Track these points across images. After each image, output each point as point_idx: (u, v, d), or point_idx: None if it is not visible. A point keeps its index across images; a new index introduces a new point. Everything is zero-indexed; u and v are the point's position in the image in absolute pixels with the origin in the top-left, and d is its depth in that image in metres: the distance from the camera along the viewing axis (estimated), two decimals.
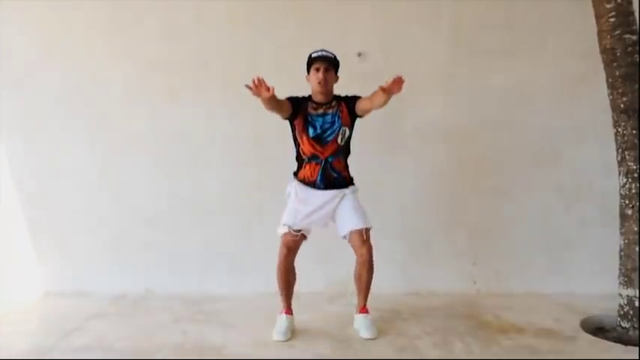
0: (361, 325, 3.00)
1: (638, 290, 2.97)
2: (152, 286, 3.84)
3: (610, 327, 3.13)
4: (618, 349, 2.81)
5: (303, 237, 3.03)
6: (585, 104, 3.80)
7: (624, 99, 2.99)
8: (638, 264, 2.97)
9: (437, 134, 3.87)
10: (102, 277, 3.87)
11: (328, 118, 3.00)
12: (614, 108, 3.05)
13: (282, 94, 2.90)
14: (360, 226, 2.96)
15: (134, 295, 3.76)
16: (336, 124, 2.99)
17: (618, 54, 2.98)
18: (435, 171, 3.88)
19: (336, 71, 3.02)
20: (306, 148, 3.00)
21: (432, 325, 3.17)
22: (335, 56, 3.00)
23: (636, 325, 2.97)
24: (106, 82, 3.87)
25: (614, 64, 3.00)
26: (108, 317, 3.36)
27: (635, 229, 2.98)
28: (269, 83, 2.67)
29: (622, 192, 3.05)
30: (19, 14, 3.85)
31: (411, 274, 3.86)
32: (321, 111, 3.00)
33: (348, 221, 2.99)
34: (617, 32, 2.97)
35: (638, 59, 2.97)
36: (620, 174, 3.06)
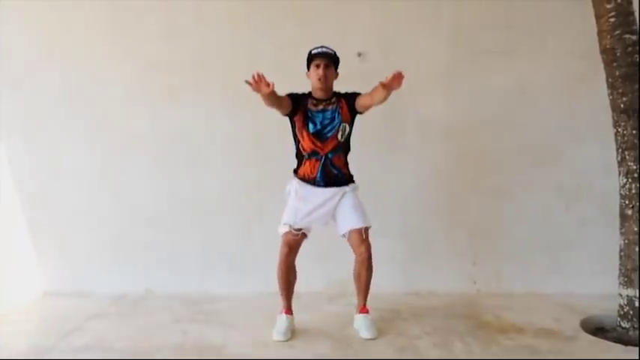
0: (361, 325, 3.00)
1: (638, 290, 2.97)
2: (152, 286, 3.84)
3: (610, 327, 3.13)
4: (618, 349, 2.81)
5: (304, 236, 3.03)
6: (585, 104, 3.80)
7: (624, 99, 2.99)
8: (638, 264, 2.97)
9: (437, 134, 3.87)
10: (102, 277, 3.87)
11: (328, 114, 2.99)
12: (614, 108, 3.05)
13: (281, 94, 2.91)
14: (359, 225, 2.97)
15: (134, 295, 3.76)
16: (336, 120, 2.99)
17: (618, 54, 2.98)
18: (435, 171, 3.88)
19: (336, 68, 3.02)
20: (306, 144, 2.99)
21: (432, 325, 3.17)
22: (335, 52, 3.00)
23: (636, 326, 2.97)
24: (106, 82, 3.86)
25: (614, 64, 3.00)
26: (108, 317, 3.36)
27: (635, 229, 2.98)
28: (269, 79, 2.67)
29: (622, 192, 3.06)
30: (19, 14, 3.85)
31: (411, 273, 3.87)
32: (321, 107, 3.00)
33: (348, 220, 2.99)
34: (617, 32, 2.97)
35: (638, 59, 2.97)
36: (620, 174, 3.06)
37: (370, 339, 2.93)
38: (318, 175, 2.99)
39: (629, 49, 2.96)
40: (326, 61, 2.95)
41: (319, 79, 2.95)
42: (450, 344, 2.88)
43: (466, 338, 2.96)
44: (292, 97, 2.99)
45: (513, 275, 3.87)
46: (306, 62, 3.02)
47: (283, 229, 2.99)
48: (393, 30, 3.85)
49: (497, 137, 3.87)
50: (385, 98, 2.80)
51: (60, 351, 2.82)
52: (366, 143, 3.57)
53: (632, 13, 2.99)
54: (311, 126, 2.98)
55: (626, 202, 3.03)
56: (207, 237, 3.89)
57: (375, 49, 3.80)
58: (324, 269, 3.74)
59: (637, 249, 2.97)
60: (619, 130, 3.04)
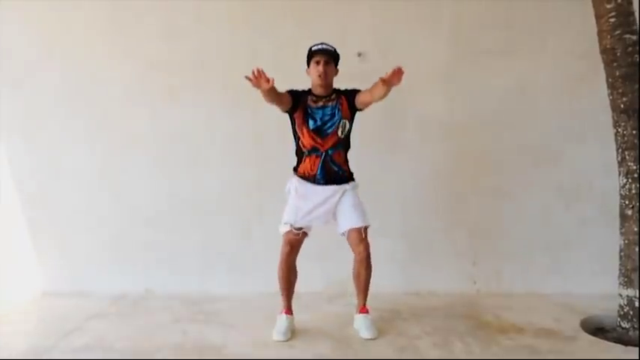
0: (361, 325, 3.00)
1: (638, 290, 2.97)
2: (152, 286, 3.84)
3: (610, 327, 3.13)
4: (618, 350, 2.81)
5: (305, 234, 3.03)
6: (585, 104, 3.80)
7: (624, 99, 2.99)
8: (638, 264, 2.97)
9: (437, 134, 3.87)
10: (102, 277, 3.87)
11: (328, 110, 2.99)
12: (614, 108, 3.05)
13: (281, 91, 2.90)
14: (358, 224, 2.97)
15: (134, 295, 3.76)
16: (337, 117, 2.98)
17: (618, 54, 2.98)
18: (435, 171, 3.88)
19: (336, 64, 3.02)
20: (307, 141, 2.99)
21: (432, 325, 3.17)
22: (335, 49, 3.00)
23: (636, 326, 2.97)
24: (106, 82, 3.86)
25: (614, 64, 3.00)
26: (108, 317, 3.36)
27: (635, 229, 2.98)
28: (269, 75, 2.68)
29: (622, 192, 3.05)
30: (19, 14, 3.85)
31: (411, 273, 3.87)
32: (320, 104, 3.00)
33: (347, 219, 2.99)
34: (618, 32, 2.97)
35: (638, 59, 2.97)
36: (620, 174, 3.06)
37: (370, 339, 2.93)
38: (318, 172, 2.98)
39: (629, 49, 2.96)
40: (326, 57, 2.95)
41: (319, 76, 2.95)
42: (450, 344, 2.88)
43: (466, 338, 2.96)
44: (292, 93, 2.99)
45: (513, 275, 3.87)
46: (306, 59, 3.02)
47: (284, 229, 2.99)
48: (392, 30, 3.85)
49: (497, 137, 3.87)
50: (385, 94, 2.80)
51: (60, 351, 2.82)
52: (366, 143, 3.57)
53: (632, 13, 2.99)
54: (311, 122, 2.98)
55: (626, 202, 3.03)
56: (207, 237, 3.89)
57: (375, 49, 3.80)
58: (324, 269, 3.74)
59: (637, 249, 2.97)
60: (619, 130, 3.04)
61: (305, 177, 3.02)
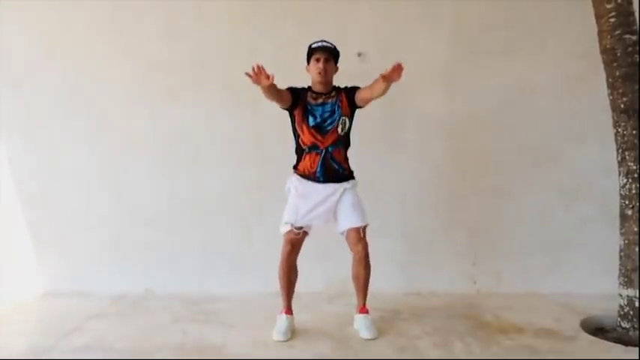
0: (361, 326, 3.00)
1: (638, 290, 2.97)
2: (152, 286, 3.84)
3: (610, 327, 3.13)
4: (618, 350, 2.81)
5: (305, 234, 3.03)
6: (585, 104, 3.80)
7: (624, 99, 2.99)
8: (638, 264, 2.97)
9: (437, 134, 3.87)
10: (102, 277, 3.87)
11: (328, 107, 2.99)
12: (614, 108, 3.05)
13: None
14: (357, 224, 2.97)
15: (134, 295, 3.76)
16: (336, 114, 2.98)
17: (618, 54, 2.98)
18: (435, 171, 3.88)
19: (336, 62, 3.03)
20: (306, 138, 2.99)
21: (432, 325, 3.17)
22: (335, 47, 3.00)
23: (636, 326, 2.97)
24: (106, 82, 3.86)
25: (615, 64, 3.00)
26: (108, 317, 3.36)
27: (635, 229, 2.98)
28: (269, 71, 2.68)
29: (622, 192, 3.05)
30: (19, 14, 3.85)
31: (411, 274, 3.87)
32: (320, 100, 3.00)
33: (347, 218, 2.99)
34: (618, 32, 2.97)
35: (638, 59, 2.97)
36: (620, 174, 3.06)
37: (370, 339, 2.93)
38: (318, 169, 2.98)
39: (629, 49, 2.96)
40: (326, 55, 2.95)
41: (319, 73, 2.95)
42: (450, 344, 2.88)
43: (466, 338, 2.96)
44: (292, 90, 2.99)
45: (513, 275, 3.87)
46: (306, 57, 3.02)
47: (285, 229, 2.99)
48: (392, 30, 3.85)
49: (497, 137, 3.87)
50: (385, 91, 2.81)
51: (60, 351, 2.82)
52: (366, 143, 3.58)
53: (632, 13, 2.99)
54: (311, 119, 2.98)
55: (626, 202, 3.03)
56: (207, 237, 3.89)
57: (375, 49, 3.79)
58: (324, 269, 3.74)
59: (637, 249, 2.97)
60: (619, 130, 3.04)
61: (305, 175, 3.02)
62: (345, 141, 3.04)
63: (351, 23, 3.83)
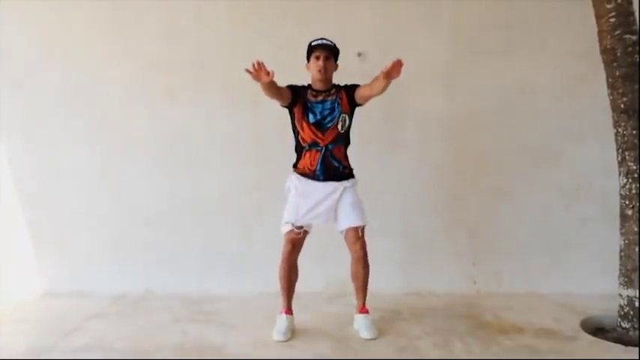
0: (361, 326, 3.00)
1: (638, 290, 2.97)
2: (152, 286, 3.84)
3: (610, 327, 3.13)
4: (618, 350, 2.81)
5: (306, 233, 3.02)
6: (585, 104, 3.80)
7: (624, 99, 2.99)
8: (638, 264, 2.97)
9: (437, 134, 3.87)
10: (102, 277, 3.87)
11: (328, 104, 2.99)
12: (614, 108, 3.05)
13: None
14: (356, 223, 2.97)
15: (134, 295, 3.76)
16: (336, 111, 2.98)
17: (618, 54, 2.97)
18: (435, 171, 3.88)
19: (336, 59, 3.03)
20: (307, 135, 2.99)
21: (432, 325, 3.17)
22: (334, 44, 3.00)
23: (636, 326, 2.97)
24: (106, 82, 3.86)
25: (615, 64, 3.00)
26: (108, 317, 3.36)
27: (635, 229, 2.98)
28: (268, 67, 2.68)
29: (622, 192, 3.05)
30: (19, 14, 3.85)
31: (411, 274, 3.86)
32: (320, 98, 3.00)
33: (346, 218, 2.99)
34: (618, 32, 2.97)
35: (638, 59, 2.97)
36: (620, 174, 3.06)
37: (370, 339, 2.93)
38: (318, 166, 2.98)
39: (630, 49, 2.96)
40: (326, 52, 2.96)
41: (319, 71, 2.95)
42: (450, 344, 2.88)
43: (466, 338, 2.96)
44: (292, 88, 2.99)
45: (513, 275, 3.87)
46: (306, 55, 3.02)
47: (285, 228, 2.99)
48: (392, 30, 3.85)
49: (497, 137, 3.87)
50: (384, 89, 2.81)
51: (60, 351, 2.82)
52: (366, 143, 3.58)
53: (632, 13, 2.99)
54: (311, 116, 2.98)
55: (627, 202, 3.03)
56: (207, 237, 3.89)
57: (375, 49, 3.79)
58: (324, 269, 3.74)
59: (637, 249, 2.97)
60: (619, 130, 3.04)
61: (305, 173, 3.02)
62: (345, 139, 3.04)
63: (351, 23, 3.83)
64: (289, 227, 2.97)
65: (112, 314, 3.42)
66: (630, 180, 3.00)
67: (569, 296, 3.63)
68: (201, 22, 3.85)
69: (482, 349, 2.82)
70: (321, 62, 2.94)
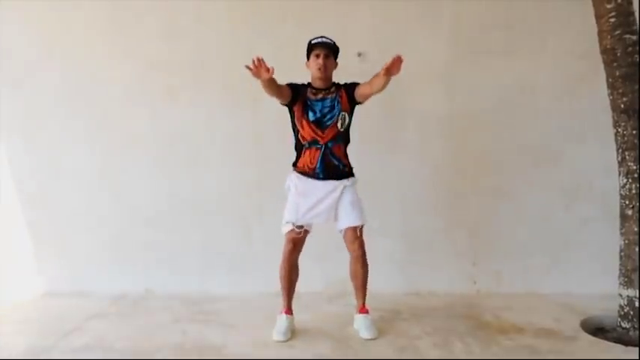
0: (361, 326, 3.00)
1: (638, 291, 2.97)
2: (152, 286, 3.84)
3: (610, 327, 3.13)
4: (618, 350, 2.80)
5: (307, 232, 3.02)
6: (585, 104, 3.80)
7: (624, 99, 2.99)
8: (638, 264, 2.97)
9: (437, 134, 3.87)
10: (102, 277, 3.87)
11: (327, 102, 2.99)
12: (614, 108, 3.05)
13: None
14: (356, 223, 2.97)
15: (134, 295, 3.76)
16: (336, 109, 2.98)
17: (618, 54, 2.97)
18: (435, 171, 3.88)
19: (336, 58, 3.03)
20: (306, 133, 2.98)
21: (432, 325, 3.17)
22: (334, 43, 3.00)
23: (636, 326, 2.97)
24: (106, 82, 3.87)
25: (615, 64, 3.00)
26: (108, 317, 3.36)
27: (636, 229, 2.98)
28: (268, 64, 2.68)
29: (622, 192, 3.05)
30: (19, 14, 3.85)
31: (411, 273, 3.86)
32: (320, 96, 3.00)
33: (345, 217, 2.99)
34: (618, 32, 2.97)
35: (638, 59, 2.97)
36: (620, 174, 3.06)
37: (370, 339, 2.93)
38: (318, 165, 2.97)
39: (630, 49, 2.96)
40: (326, 51, 2.96)
41: (319, 69, 2.96)
42: (450, 344, 2.88)
43: (466, 338, 2.96)
44: (292, 86, 3.00)
45: (513, 275, 3.86)
46: (306, 54, 3.02)
47: (286, 228, 2.99)
48: (392, 30, 3.85)
49: (497, 137, 3.87)
50: (384, 86, 2.81)
51: (60, 351, 2.82)
52: (366, 142, 3.58)
53: (632, 13, 2.99)
54: (311, 114, 2.98)
55: (627, 202, 3.03)
56: (207, 237, 3.89)
57: (375, 49, 3.78)
58: (324, 269, 3.73)
59: (637, 249, 2.97)
60: (619, 130, 3.04)
61: (304, 172, 3.01)
62: (344, 137, 3.04)
63: (351, 23, 3.83)
64: (290, 227, 2.97)
65: (112, 314, 3.42)
66: (630, 180, 3.00)
67: (569, 296, 3.63)
68: (201, 22, 3.85)
69: (482, 349, 2.82)
70: (320, 60, 2.95)
